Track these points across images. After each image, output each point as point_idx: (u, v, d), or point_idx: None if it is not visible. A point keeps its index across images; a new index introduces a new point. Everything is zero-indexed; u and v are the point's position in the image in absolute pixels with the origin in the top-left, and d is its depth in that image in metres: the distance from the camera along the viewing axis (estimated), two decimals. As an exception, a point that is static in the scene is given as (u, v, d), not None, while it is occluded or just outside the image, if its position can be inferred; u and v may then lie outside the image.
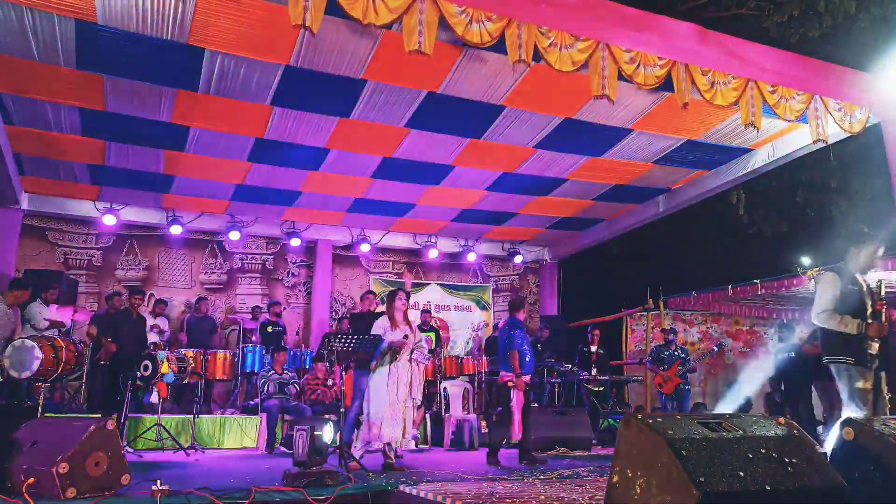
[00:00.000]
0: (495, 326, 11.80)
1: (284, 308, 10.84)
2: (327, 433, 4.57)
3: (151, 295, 10.18)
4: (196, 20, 5.35)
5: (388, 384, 5.83)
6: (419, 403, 6.40)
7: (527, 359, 6.70)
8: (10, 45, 5.69)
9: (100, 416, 5.84)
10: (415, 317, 6.91)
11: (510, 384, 6.61)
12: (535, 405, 9.29)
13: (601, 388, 9.95)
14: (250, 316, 10.35)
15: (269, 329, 9.73)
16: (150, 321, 8.99)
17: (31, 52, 5.77)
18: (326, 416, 7.01)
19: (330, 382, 8.59)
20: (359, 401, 6.53)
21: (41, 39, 5.60)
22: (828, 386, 7.53)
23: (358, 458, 5.65)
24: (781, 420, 3.04)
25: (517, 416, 6.57)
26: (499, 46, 5.32)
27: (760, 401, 11.85)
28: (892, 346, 7.31)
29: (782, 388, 8.78)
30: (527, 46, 5.29)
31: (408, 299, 6.32)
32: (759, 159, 8.14)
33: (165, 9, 5.21)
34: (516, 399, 6.59)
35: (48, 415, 6.07)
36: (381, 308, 8.27)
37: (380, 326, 6.06)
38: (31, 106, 6.88)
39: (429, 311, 11.10)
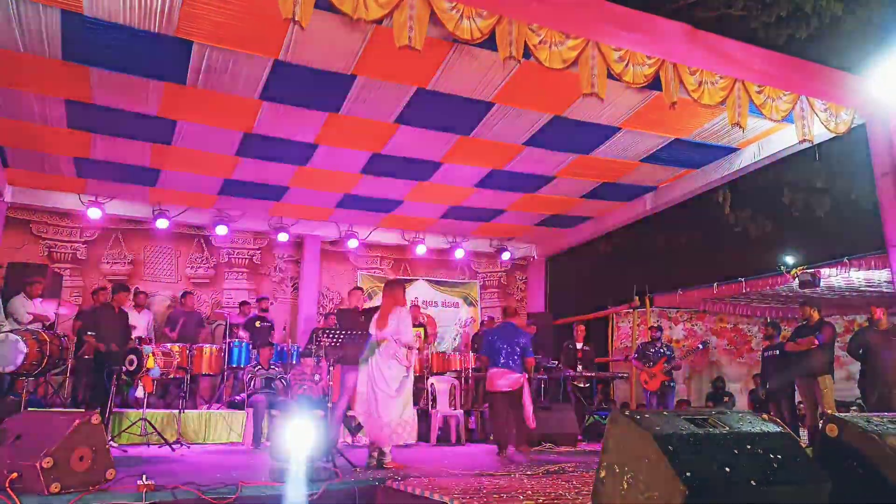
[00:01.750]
0: (482, 323, 11.80)
1: (272, 303, 10.79)
2: (306, 432, 4.54)
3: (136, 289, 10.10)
4: (184, 12, 5.31)
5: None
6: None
7: None
8: (-6, 36, 5.62)
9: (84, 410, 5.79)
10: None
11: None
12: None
13: (587, 385, 10.00)
14: (237, 311, 10.29)
15: (257, 324, 9.69)
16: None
17: (15, 42, 5.69)
18: (313, 412, 6.99)
19: (317, 378, 8.57)
20: (347, 397, 6.51)
21: (26, 30, 5.53)
22: (809, 382, 7.62)
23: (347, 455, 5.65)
24: (766, 416, 3.07)
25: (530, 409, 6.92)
26: (489, 43, 5.32)
27: (744, 398, 11.98)
28: (874, 343, 7.43)
29: (766, 385, 8.86)
30: (517, 43, 5.30)
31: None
32: (745, 158, 8.21)
33: (153, 0, 5.17)
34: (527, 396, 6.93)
35: (32, 409, 6.01)
36: (368, 304, 8.25)
37: (410, 322, 5.83)
38: (15, 97, 6.80)
39: (417, 307, 11.09)
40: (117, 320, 7.66)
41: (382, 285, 6.16)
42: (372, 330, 5.78)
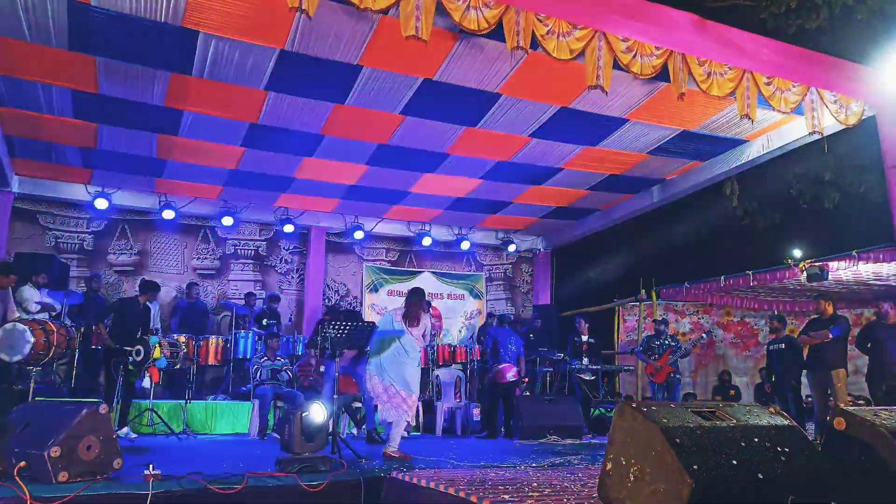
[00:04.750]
0: (489, 315, 11.79)
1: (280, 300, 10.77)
2: (318, 415, 4.56)
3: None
4: (190, 2, 5.30)
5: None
6: None
7: None
8: (0, 25, 5.61)
9: (97, 400, 5.79)
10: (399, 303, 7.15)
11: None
12: (528, 394, 9.37)
13: (593, 378, 10.00)
14: (243, 302, 10.32)
15: (264, 321, 9.70)
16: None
17: (22, 32, 5.70)
18: (318, 404, 7.01)
19: (322, 369, 8.58)
20: (330, 384, 6.74)
21: (33, 19, 5.53)
22: (822, 376, 7.60)
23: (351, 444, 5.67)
24: (773, 409, 3.06)
25: None
26: (496, 34, 5.29)
27: (751, 391, 11.96)
28: (881, 337, 7.39)
29: (772, 378, 8.83)
30: (524, 33, 5.27)
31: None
32: (753, 150, 8.15)
33: (159, -10, 5.16)
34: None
35: (39, 399, 6.04)
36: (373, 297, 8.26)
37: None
38: (22, 87, 6.80)
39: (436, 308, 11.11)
40: (140, 315, 7.60)
41: (406, 293, 6.40)
42: (398, 324, 5.98)
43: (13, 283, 7.11)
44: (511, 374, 8.27)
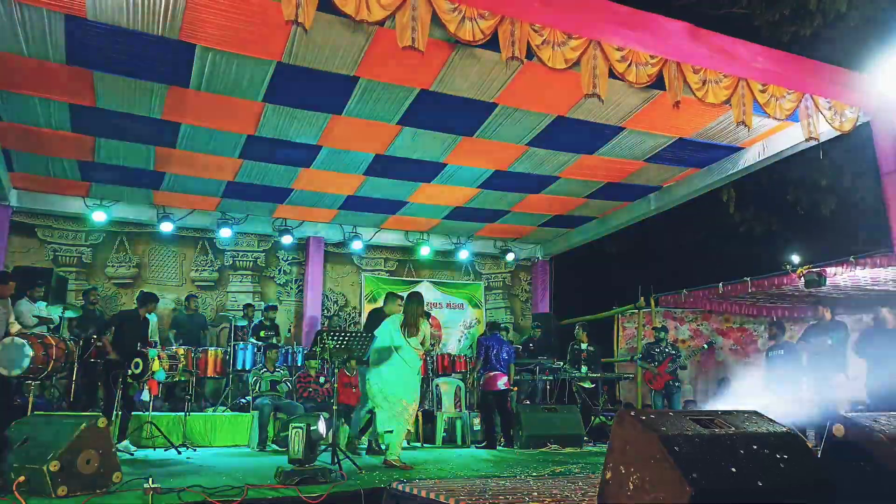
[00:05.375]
0: (487, 324, 11.77)
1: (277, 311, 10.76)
2: (321, 427, 4.57)
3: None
4: (187, 15, 5.32)
5: None
6: None
7: None
8: (-2, 40, 5.64)
9: (98, 413, 5.76)
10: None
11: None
12: (527, 402, 9.36)
13: (592, 386, 9.98)
14: (242, 313, 10.31)
15: (262, 333, 9.68)
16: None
17: (20, 47, 5.72)
18: (318, 415, 7.00)
19: (322, 380, 8.58)
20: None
21: (30, 34, 5.55)
22: (821, 382, 7.59)
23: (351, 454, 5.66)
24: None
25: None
26: (491, 44, 5.31)
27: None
28: (880, 342, 7.39)
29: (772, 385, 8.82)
30: (520, 43, 5.29)
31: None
32: (749, 157, 8.18)
33: (156, 4, 5.17)
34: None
35: (38, 413, 6.02)
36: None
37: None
38: (20, 101, 6.82)
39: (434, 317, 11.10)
40: (140, 327, 7.56)
41: (405, 296, 6.43)
42: (397, 333, 6.00)
43: (12, 290, 7.09)
44: (502, 383, 8.28)
